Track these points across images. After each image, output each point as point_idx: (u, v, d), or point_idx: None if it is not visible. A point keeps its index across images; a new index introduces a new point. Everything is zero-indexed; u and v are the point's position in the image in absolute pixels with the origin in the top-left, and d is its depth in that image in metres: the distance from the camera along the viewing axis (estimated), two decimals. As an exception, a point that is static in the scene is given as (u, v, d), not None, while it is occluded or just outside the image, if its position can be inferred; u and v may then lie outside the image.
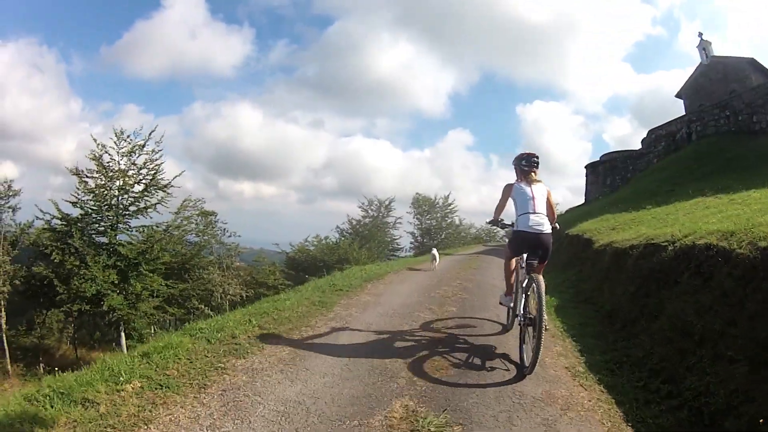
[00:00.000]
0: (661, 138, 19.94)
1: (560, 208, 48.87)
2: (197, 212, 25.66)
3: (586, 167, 26.09)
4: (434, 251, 12.33)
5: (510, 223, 5.18)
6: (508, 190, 4.93)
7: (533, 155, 4.98)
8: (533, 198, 4.69)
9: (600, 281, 7.60)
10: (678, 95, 22.36)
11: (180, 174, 19.61)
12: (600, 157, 25.13)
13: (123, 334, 17.82)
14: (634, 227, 9.10)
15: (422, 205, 41.16)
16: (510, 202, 4.95)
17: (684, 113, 20.84)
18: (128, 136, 18.19)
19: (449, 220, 41.96)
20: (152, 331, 19.37)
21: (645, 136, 21.55)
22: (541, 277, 4.31)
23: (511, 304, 5.17)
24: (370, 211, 38.34)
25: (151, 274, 17.79)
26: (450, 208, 41.59)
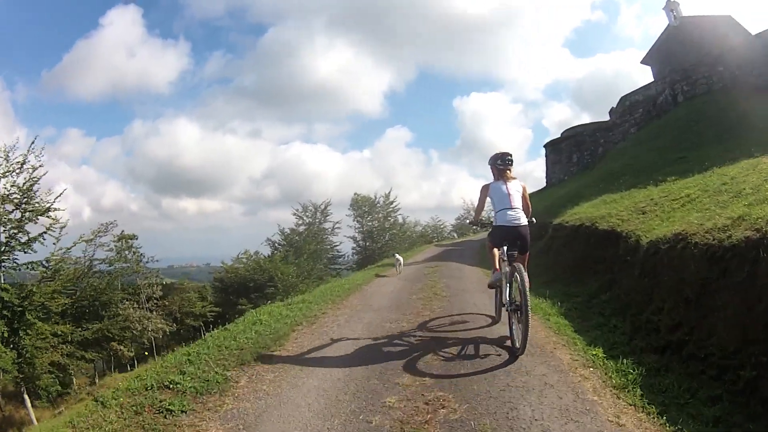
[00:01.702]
0: (637, 104, 17.49)
1: None
2: (115, 238, 22.68)
3: (545, 146, 23.50)
4: (398, 256, 12.77)
5: (489, 221, 5.62)
6: (485, 190, 5.35)
7: (507, 154, 5.32)
8: (509, 195, 5.09)
9: (683, 306, 4.61)
10: (644, 62, 19.98)
11: (60, 194, 15.57)
12: (562, 133, 22.38)
13: (26, 396, 14.59)
14: (678, 210, 6.57)
15: (362, 205, 37.72)
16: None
17: (653, 80, 18.67)
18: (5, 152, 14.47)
19: (392, 220, 38.75)
20: (74, 385, 17.73)
21: (615, 105, 19.09)
22: (522, 266, 4.71)
23: (498, 283, 5.26)
24: (305, 218, 34.87)
25: (42, 323, 14.29)
26: (392, 206, 38.48)
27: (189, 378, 4.29)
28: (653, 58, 19.55)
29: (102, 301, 19.56)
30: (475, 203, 5.98)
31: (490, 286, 5.57)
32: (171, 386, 4.11)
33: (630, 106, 17.89)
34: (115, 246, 22.81)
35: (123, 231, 23.27)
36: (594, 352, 4.67)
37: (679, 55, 17.46)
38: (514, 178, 5.26)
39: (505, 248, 5.12)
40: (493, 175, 5.37)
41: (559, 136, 22.42)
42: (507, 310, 4.91)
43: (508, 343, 4.85)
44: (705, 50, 15.78)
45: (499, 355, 4.61)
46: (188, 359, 4.83)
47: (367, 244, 36.73)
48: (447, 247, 21.13)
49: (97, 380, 20.35)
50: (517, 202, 5.07)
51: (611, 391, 3.80)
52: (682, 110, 15.34)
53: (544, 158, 23.69)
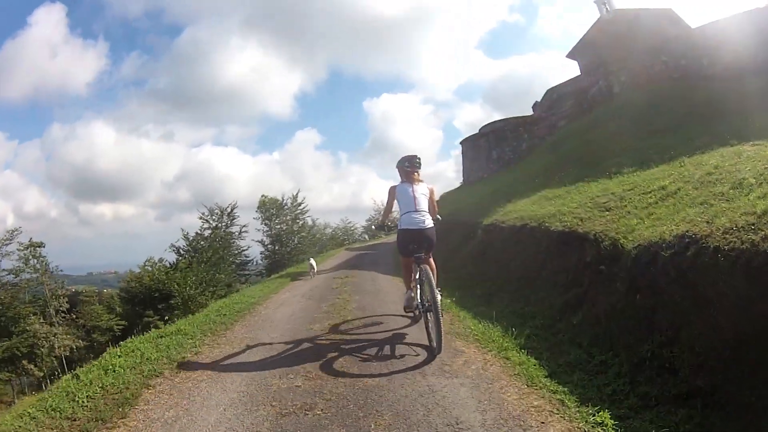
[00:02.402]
0: (567, 96, 16.45)
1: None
2: (21, 246, 20.87)
3: (462, 143, 21.99)
4: (311, 260, 12.86)
5: (396, 224, 5.44)
6: (392, 192, 5.26)
7: (414, 157, 5.26)
8: (415, 198, 5.04)
9: (712, 335, 3.33)
10: (570, 55, 19.14)
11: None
12: (480, 129, 20.84)
13: None
14: (658, 205, 5.27)
15: (270, 208, 34.83)
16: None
17: (580, 73, 17.95)
18: None
19: (301, 222, 36.16)
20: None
21: (540, 99, 18.13)
22: (428, 267, 4.76)
23: (414, 303, 5.04)
24: (211, 222, 31.36)
25: None
26: (301, 208, 35.91)
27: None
28: (581, 51, 18.58)
29: (8, 316, 18.64)
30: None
31: (406, 309, 5.39)
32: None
33: (558, 98, 16.87)
34: (23, 255, 20.94)
35: (31, 239, 21.63)
36: (599, 418, 3.04)
37: (612, 48, 16.70)
38: (422, 181, 5.25)
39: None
40: (401, 177, 5.35)
41: (477, 132, 21.38)
42: (421, 313, 4.90)
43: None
44: (643, 42, 15.13)
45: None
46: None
47: (276, 248, 33.86)
48: (359, 251, 19.24)
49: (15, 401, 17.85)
50: (423, 204, 5.07)
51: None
52: (621, 101, 14.28)
53: (461, 155, 22.50)
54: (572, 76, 18.12)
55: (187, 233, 26.42)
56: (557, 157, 11.78)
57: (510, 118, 19.11)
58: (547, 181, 9.40)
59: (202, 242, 25.94)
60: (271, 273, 28.18)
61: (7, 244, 20.24)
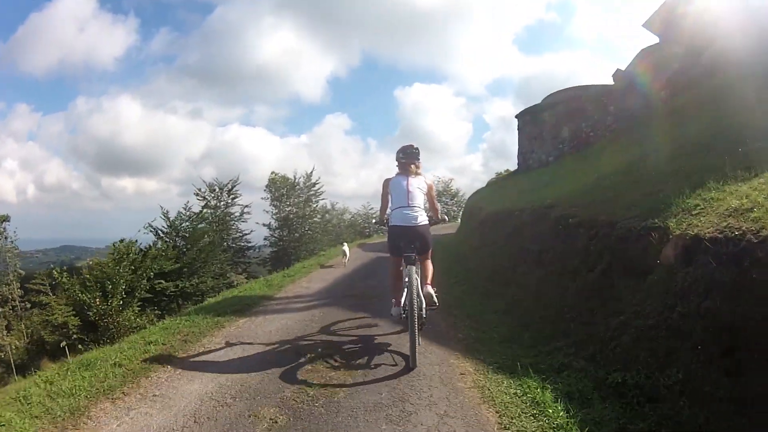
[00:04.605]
0: (668, 59, 11.44)
1: (464, 190, 42.12)
2: None
3: (518, 116, 16.90)
4: (345, 246, 12.65)
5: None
6: (386, 185, 4.90)
7: (411, 146, 4.86)
8: (409, 192, 4.67)
9: None
10: (646, 25, 14.11)
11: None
12: (544, 100, 16.10)
13: None
14: None
15: (280, 187, 30.64)
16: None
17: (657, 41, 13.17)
18: None
19: (314, 205, 31.65)
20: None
21: (628, 65, 13.18)
22: (413, 268, 4.34)
23: (402, 314, 4.61)
24: (209, 200, 27.23)
25: None
26: (315, 189, 31.43)
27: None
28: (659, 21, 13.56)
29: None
30: None
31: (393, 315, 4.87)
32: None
33: (657, 63, 12.06)
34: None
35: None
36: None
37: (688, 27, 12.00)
38: (420, 174, 4.83)
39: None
40: (399, 169, 4.90)
41: (539, 102, 16.15)
42: (402, 318, 4.60)
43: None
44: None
45: None
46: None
47: (283, 234, 29.89)
48: (375, 250, 15.52)
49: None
50: (417, 199, 4.67)
51: None
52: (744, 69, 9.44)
53: (516, 132, 17.59)
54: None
55: (167, 211, 20.90)
56: (677, 138, 7.22)
57: (589, 85, 14.51)
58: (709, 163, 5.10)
59: (182, 223, 20.74)
60: (276, 266, 24.08)
61: None
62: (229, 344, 5.07)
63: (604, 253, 4.60)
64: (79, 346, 9.17)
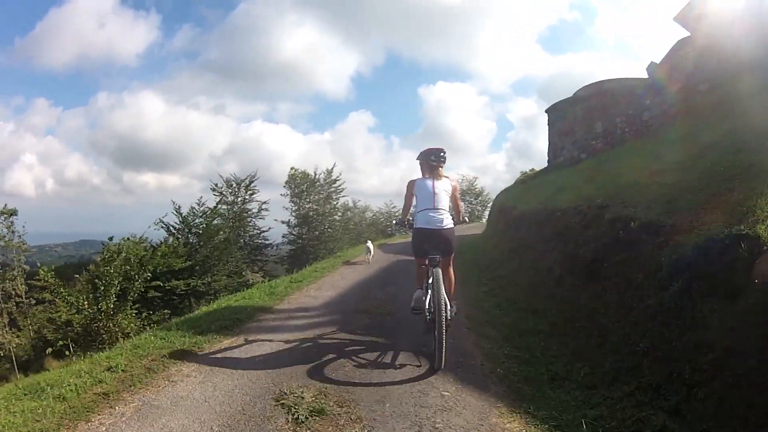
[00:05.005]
0: (714, 51, 10.55)
1: (491, 190, 41.46)
2: None
3: (548, 111, 16.07)
4: (369, 243, 13.37)
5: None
6: (411, 186, 4.87)
7: (441, 150, 4.83)
8: (435, 194, 4.64)
9: None
10: (677, 19, 13.25)
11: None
12: (575, 93, 15.06)
13: None
14: None
15: (300, 183, 30.17)
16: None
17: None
18: None
19: (334, 203, 31.11)
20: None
21: (662, 58, 12.21)
22: (439, 270, 4.32)
23: (424, 305, 4.53)
24: (226, 196, 27.09)
25: None
26: (336, 186, 30.97)
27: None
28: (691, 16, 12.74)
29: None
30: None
31: (414, 310, 4.78)
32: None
33: (698, 55, 11.02)
34: None
35: (6, 205, 19.03)
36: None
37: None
38: (445, 177, 4.81)
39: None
40: (422, 171, 4.92)
41: (570, 96, 15.52)
42: (426, 320, 4.48)
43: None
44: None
45: None
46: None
47: (303, 232, 29.42)
48: (395, 252, 14.64)
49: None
50: (442, 202, 4.65)
51: None
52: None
53: (547, 127, 16.71)
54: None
55: (179, 206, 20.59)
56: (731, 131, 6.43)
57: (622, 78, 13.74)
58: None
59: (196, 219, 20.30)
60: (294, 264, 23.51)
61: None
62: (200, 380, 3.97)
63: (679, 266, 3.97)
64: (66, 353, 8.63)
